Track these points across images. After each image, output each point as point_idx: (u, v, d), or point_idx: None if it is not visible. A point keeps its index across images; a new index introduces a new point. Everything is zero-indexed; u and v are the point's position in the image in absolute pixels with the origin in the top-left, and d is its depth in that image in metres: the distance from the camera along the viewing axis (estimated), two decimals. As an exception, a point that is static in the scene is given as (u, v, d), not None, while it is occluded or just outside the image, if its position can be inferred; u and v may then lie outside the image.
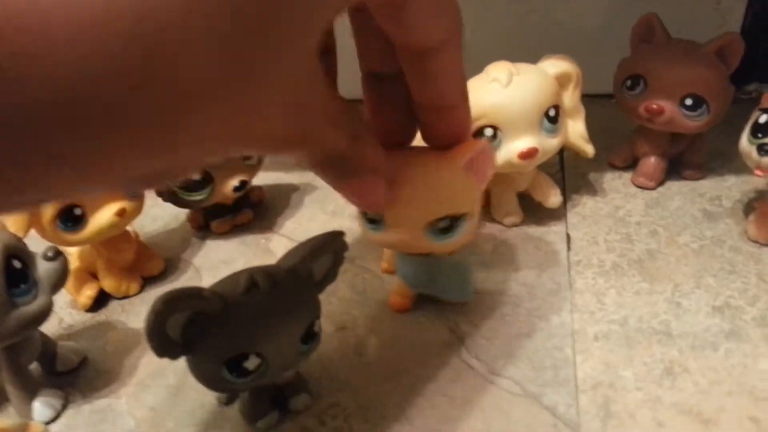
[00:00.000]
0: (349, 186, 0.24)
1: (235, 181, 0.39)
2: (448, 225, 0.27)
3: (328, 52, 0.26)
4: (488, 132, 0.34)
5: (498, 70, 0.34)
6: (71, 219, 0.34)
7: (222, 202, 0.41)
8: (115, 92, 0.13)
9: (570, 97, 0.36)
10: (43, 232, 0.34)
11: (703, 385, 0.28)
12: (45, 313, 0.30)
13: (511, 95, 0.33)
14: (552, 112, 0.35)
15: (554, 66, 0.35)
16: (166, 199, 0.39)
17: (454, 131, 0.27)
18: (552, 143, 0.35)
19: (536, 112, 0.34)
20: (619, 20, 0.41)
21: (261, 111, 0.17)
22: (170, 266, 0.40)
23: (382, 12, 0.21)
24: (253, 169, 0.41)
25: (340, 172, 0.23)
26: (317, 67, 0.19)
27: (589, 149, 0.38)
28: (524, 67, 0.34)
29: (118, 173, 0.15)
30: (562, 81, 0.36)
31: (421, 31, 0.22)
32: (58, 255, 0.31)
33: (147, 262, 0.39)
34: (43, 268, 0.30)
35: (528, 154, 0.34)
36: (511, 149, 0.34)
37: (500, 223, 0.39)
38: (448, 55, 0.24)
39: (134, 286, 0.38)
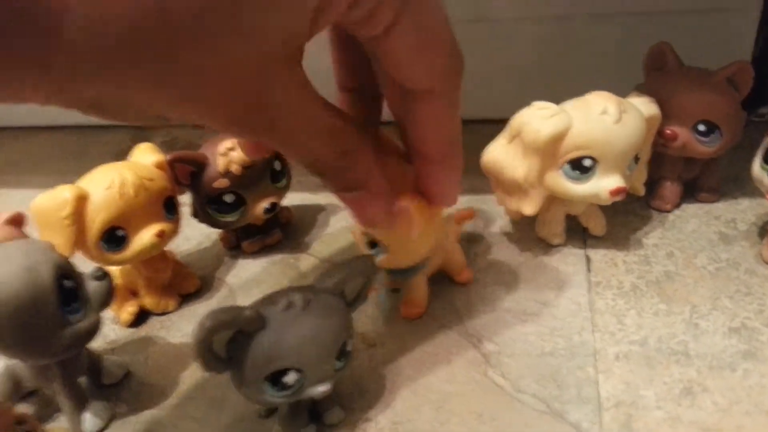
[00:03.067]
0: (344, 199, 0.25)
1: (266, 203, 0.41)
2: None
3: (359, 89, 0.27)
4: (587, 163, 0.34)
5: (608, 104, 0.34)
6: (114, 240, 0.36)
7: (253, 223, 0.43)
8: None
9: (647, 140, 0.37)
10: (87, 253, 0.36)
11: (722, 405, 0.29)
12: (95, 329, 0.31)
13: (620, 132, 0.34)
14: (639, 153, 0.36)
15: (647, 107, 0.36)
16: (201, 220, 0.41)
17: (432, 184, 0.27)
18: (629, 182, 0.36)
19: (634, 151, 0.35)
20: (631, 48, 0.42)
21: (206, 84, 0.19)
22: (204, 284, 0.42)
23: (367, 44, 0.22)
24: (282, 191, 0.42)
25: (335, 184, 0.24)
26: (295, 75, 0.21)
27: (643, 190, 0.40)
28: (628, 104, 0.35)
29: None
30: (650, 124, 0.36)
31: (405, 70, 0.22)
32: (105, 275, 0.33)
33: (183, 281, 0.41)
34: (92, 287, 0.32)
35: (618, 192, 0.34)
36: (602, 184, 0.34)
37: (544, 240, 0.40)
38: (431, 105, 0.24)
39: (172, 303, 0.40)
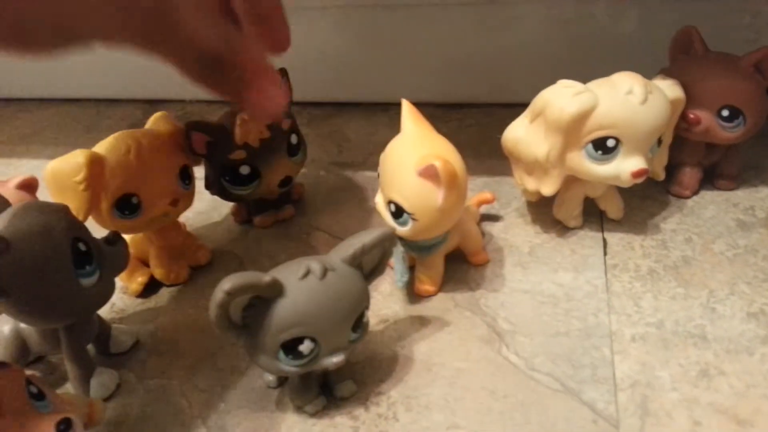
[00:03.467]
0: (247, 98, 0.25)
1: (281, 177, 0.40)
2: (393, 210, 0.32)
3: None
4: (611, 143, 0.34)
5: (635, 84, 0.33)
6: (128, 207, 0.35)
7: (266, 198, 0.43)
8: None
9: (670, 124, 0.37)
10: (100, 219, 0.36)
11: (739, 388, 0.29)
12: (108, 294, 0.31)
13: (645, 113, 0.33)
14: (662, 136, 0.35)
15: (671, 90, 0.36)
16: (213, 192, 0.41)
17: (277, 27, 0.27)
18: (651, 165, 0.35)
19: (658, 133, 0.35)
20: (656, 31, 0.42)
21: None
22: (215, 257, 0.42)
23: None
24: (298, 166, 0.42)
25: (231, 84, 0.25)
26: None
27: (663, 174, 0.39)
28: (653, 86, 0.34)
29: None
30: (674, 107, 0.36)
31: None
32: (119, 239, 0.32)
33: (195, 252, 0.41)
34: (106, 252, 0.31)
35: (640, 174, 0.34)
36: (625, 166, 0.34)
37: (561, 222, 0.40)
38: None
39: (183, 274, 0.40)
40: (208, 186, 0.41)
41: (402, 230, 0.33)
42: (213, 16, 0.24)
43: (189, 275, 0.40)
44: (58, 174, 0.34)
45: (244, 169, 0.39)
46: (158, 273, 0.39)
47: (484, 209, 0.42)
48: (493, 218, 0.42)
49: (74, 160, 0.33)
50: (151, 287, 0.39)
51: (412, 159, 0.31)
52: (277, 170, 0.40)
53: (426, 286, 0.36)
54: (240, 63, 0.25)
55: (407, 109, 0.34)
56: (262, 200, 0.43)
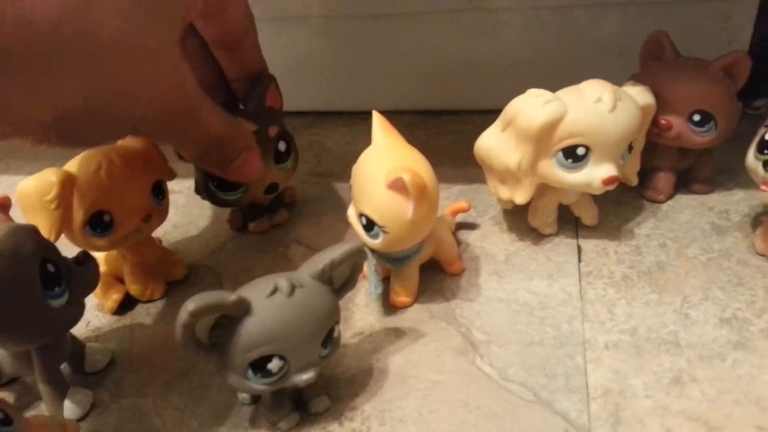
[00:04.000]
0: (233, 168, 0.31)
1: (266, 183, 0.41)
2: (365, 223, 0.33)
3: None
4: (580, 151, 0.34)
5: (603, 92, 0.33)
6: (100, 225, 0.35)
7: (259, 203, 0.43)
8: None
9: (641, 129, 0.37)
10: (73, 238, 0.35)
11: (711, 395, 0.29)
12: (77, 315, 0.31)
13: (614, 121, 0.33)
14: (633, 142, 0.36)
15: (641, 96, 0.36)
16: (203, 197, 0.41)
17: (250, 59, 0.34)
18: (622, 172, 0.35)
19: (628, 140, 0.35)
20: (628, 38, 0.42)
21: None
22: (192, 271, 0.41)
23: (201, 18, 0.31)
24: (287, 173, 0.42)
25: (224, 157, 0.30)
26: (186, 70, 0.26)
27: (636, 180, 0.40)
28: (622, 92, 0.34)
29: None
30: (645, 113, 0.36)
31: (232, 22, 0.30)
32: (88, 259, 0.32)
33: (171, 268, 0.40)
34: (75, 272, 0.31)
35: (611, 181, 0.34)
36: (595, 173, 0.34)
37: (536, 229, 0.40)
38: (252, 37, 0.32)
39: (159, 290, 0.39)
40: (198, 191, 0.41)
41: (374, 243, 0.33)
42: (221, 111, 0.29)
43: (165, 291, 0.40)
44: (29, 193, 0.33)
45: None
46: (133, 290, 0.39)
47: (460, 218, 0.42)
48: (470, 226, 0.42)
49: (45, 179, 0.33)
50: (126, 304, 0.39)
51: (382, 171, 0.31)
52: (263, 176, 0.40)
53: (401, 298, 0.36)
54: (234, 143, 0.30)
55: (378, 121, 0.34)
56: (255, 206, 0.43)
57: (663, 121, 0.38)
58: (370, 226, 0.32)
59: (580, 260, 0.38)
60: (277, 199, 0.44)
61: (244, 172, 0.32)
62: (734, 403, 0.28)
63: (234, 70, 0.35)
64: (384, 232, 0.32)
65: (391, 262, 0.35)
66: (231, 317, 0.26)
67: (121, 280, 0.39)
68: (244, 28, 0.32)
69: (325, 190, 0.49)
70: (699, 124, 0.38)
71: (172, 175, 0.40)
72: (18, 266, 0.28)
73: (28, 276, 0.28)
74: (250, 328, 0.26)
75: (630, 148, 0.36)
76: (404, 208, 0.31)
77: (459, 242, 0.40)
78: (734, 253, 0.37)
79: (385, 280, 0.37)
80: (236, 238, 0.44)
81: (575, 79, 0.36)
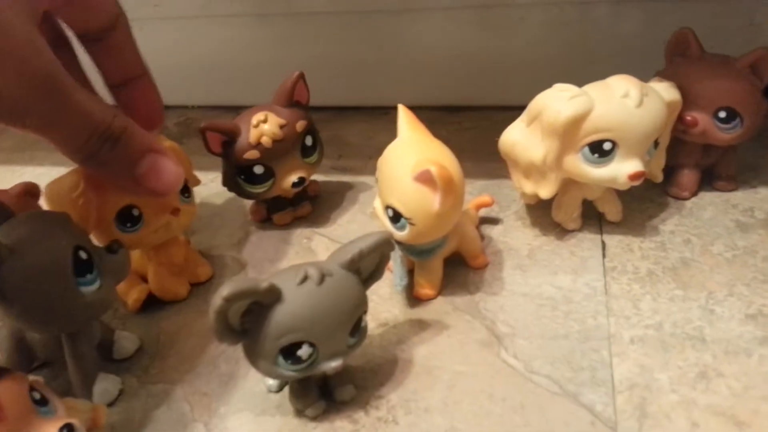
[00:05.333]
0: (140, 171, 0.27)
1: (294, 177, 0.41)
2: (391, 215, 0.33)
3: (64, 45, 0.31)
4: (607, 146, 0.34)
5: (630, 87, 0.33)
6: (129, 219, 0.35)
7: (283, 196, 0.43)
8: None
9: (667, 125, 0.37)
10: (102, 234, 0.35)
11: (737, 389, 0.29)
12: (108, 302, 0.32)
13: (641, 116, 0.33)
14: (658, 138, 0.36)
15: (668, 92, 0.36)
16: (230, 189, 0.42)
17: (145, 102, 0.31)
18: (648, 168, 0.35)
19: (654, 136, 0.35)
20: (657, 34, 0.42)
21: None
22: (217, 263, 0.42)
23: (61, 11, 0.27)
24: (313, 166, 0.43)
25: (123, 160, 0.26)
26: (42, 44, 0.24)
27: (661, 176, 0.40)
28: (649, 88, 0.34)
29: None
30: (671, 109, 0.36)
31: (101, 8, 0.28)
32: (120, 248, 0.33)
33: (196, 268, 0.40)
34: (107, 260, 0.32)
35: (637, 176, 0.34)
36: (622, 168, 0.34)
37: (560, 224, 0.40)
38: (125, 27, 0.29)
39: (182, 291, 0.39)
40: (225, 183, 0.42)
41: (400, 235, 0.33)
42: (99, 98, 0.26)
43: (188, 292, 0.39)
44: (57, 191, 0.34)
45: (258, 169, 0.40)
46: (157, 289, 0.39)
47: (483, 212, 0.42)
48: (493, 221, 0.42)
49: (71, 176, 0.34)
50: (150, 303, 0.39)
51: (408, 164, 0.31)
52: (290, 170, 0.41)
53: (425, 290, 0.36)
54: (130, 138, 0.26)
55: (403, 114, 0.34)
56: (279, 198, 0.44)
57: (688, 118, 0.38)
58: (396, 218, 0.33)
59: (604, 256, 0.38)
60: (300, 192, 0.44)
61: (155, 181, 0.27)
62: (761, 399, 0.28)
63: (110, 69, 0.31)
64: (410, 224, 0.32)
65: (415, 255, 0.35)
66: (263, 304, 0.26)
67: (145, 279, 0.39)
68: (113, 17, 0.29)
69: (346, 184, 0.49)
70: (724, 120, 0.38)
71: (196, 182, 0.40)
72: (51, 252, 0.29)
73: (61, 262, 0.29)
74: (281, 315, 0.26)
75: (656, 144, 0.36)
76: (431, 200, 0.31)
77: (482, 237, 0.40)
78: (759, 250, 0.37)
79: (410, 273, 0.37)
80: (260, 230, 0.45)
81: (596, 76, 0.36)
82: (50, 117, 0.24)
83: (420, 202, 0.31)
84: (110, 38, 0.29)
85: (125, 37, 0.30)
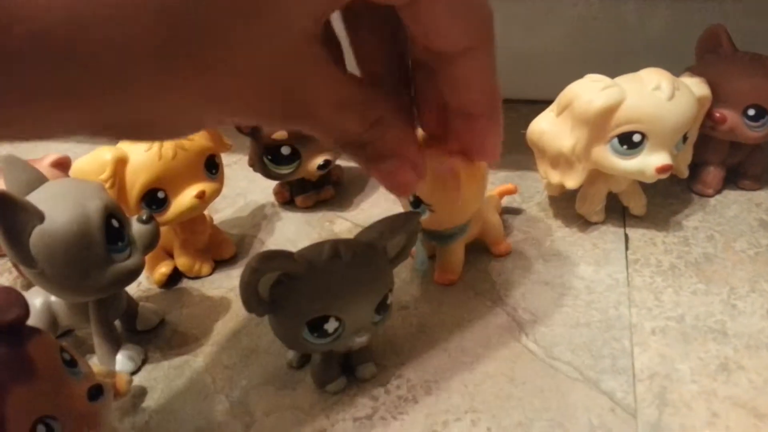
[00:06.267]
0: (376, 171, 0.25)
1: (320, 160, 0.42)
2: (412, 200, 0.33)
3: (332, 41, 0.26)
4: (636, 138, 0.34)
5: (662, 80, 0.34)
6: (155, 201, 0.36)
7: (306, 178, 0.44)
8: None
9: (696, 121, 0.37)
10: (129, 215, 0.36)
11: (758, 383, 0.29)
12: (137, 270, 0.32)
13: (671, 109, 0.33)
14: (687, 133, 0.36)
15: (698, 87, 0.36)
16: (256, 170, 0.43)
17: (476, 140, 0.27)
18: (675, 162, 0.35)
19: (684, 130, 0.35)
20: (684, 31, 0.42)
21: (242, 82, 0.18)
22: (240, 242, 0.42)
23: (401, 12, 0.21)
24: (338, 151, 0.43)
25: (366, 156, 0.24)
26: (318, 52, 0.20)
27: (687, 172, 0.40)
28: (680, 82, 0.35)
29: (89, 117, 0.17)
30: (700, 104, 0.36)
31: (440, 33, 0.22)
32: (151, 219, 0.33)
33: (219, 246, 0.41)
34: (137, 230, 0.32)
35: (664, 169, 0.34)
36: (650, 161, 0.34)
37: (584, 216, 0.40)
38: (473, 62, 0.23)
39: (206, 268, 0.40)
40: (252, 164, 0.43)
41: (422, 218, 0.33)
42: (354, 110, 0.22)
43: (212, 269, 0.40)
44: (84, 173, 0.34)
45: (285, 150, 0.41)
46: (182, 264, 0.39)
47: (505, 202, 0.42)
48: (515, 212, 0.42)
49: (99, 158, 0.34)
50: (174, 278, 0.39)
51: (433, 153, 0.31)
52: (316, 153, 0.42)
53: (446, 275, 0.36)
54: (379, 144, 0.24)
55: None
56: (303, 181, 0.44)
57: (717, 114, 0.38)
58: (417, 203, 0.33)
59: (627, 248, 0.38)
60: (324, 176, 0.45)
61: (389, 183, 0.25)
62: (782, 393, 0.28)
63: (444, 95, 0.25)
64: (430, 210, 0.32)
65: (437, 240, 0.36)
66: (292, 276, 0.27)
67: (170, 255, 0.40)
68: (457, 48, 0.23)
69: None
70: (753, 118, 0.38)
71: (226, 147, 0.40)
72: (83, 218, 0.29)
73: (94, 229, 0.29)
74: (310, 288, 0.27)
75: (684, 138, 0.36)
76: (452, 188, 0.31)
77: (504, 226, 0.40)
78: (783, 249, 0.37)
79: (431, 258, 0.37)
80: (283, 212, 0.45)
81: (622, 72, 0.36)
82: (294, 124, 0.22)
83: (441, 189, 0.31)
84: (451, 67, 0.23)
85: (473, 72, 0.24)
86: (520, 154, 0.39)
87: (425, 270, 0.35)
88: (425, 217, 0.33)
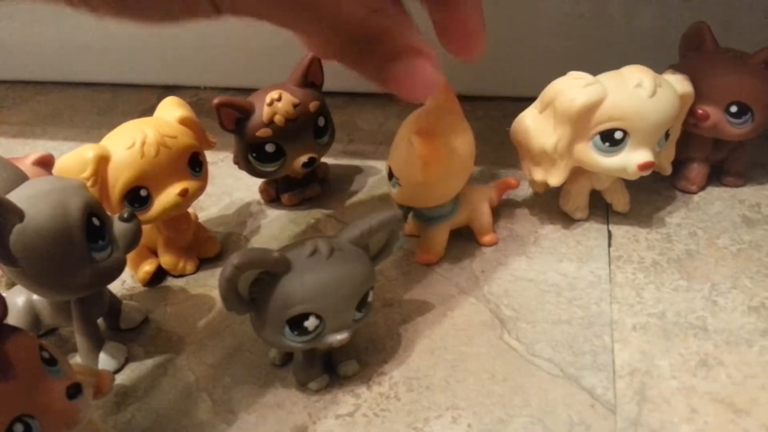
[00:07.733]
0: (392, 75, 0.21)
1: (304, 158, 0.41)
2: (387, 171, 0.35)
3: None
4: (618, 135, 0.34)
5: (644, 77, 0.34)
6: (138, 200, 0.35)
7: (292, 176, 0.44)
8: None
9: (679, 118, 0.37)
10: (111, 213, 0.36)
11: (737, 378, 0.29)
12: (119, 269, 0.32)
13: (653, 106, 0.34)
14: (669, 130, 0.36)
15: (681, 84, 0.36)
16: (241, 167, 0.42)
17: (467, 26, 0.23)
18: (657, 159, 0.36)
19: (665, 127, 0.35)
20: (669, 28, 0.42)
21: None
22: (224, 240, 0.42)
23: None
24: (324, 148, 0.43)
25: (378, 58, 0.21)
26: None
27: (670, 169, 0.40)
28: (662, 79, 0.35)
29: None
30: (683, 101, 0.36)
31: None
32: (132, 217, 0.33)
33: (204, 244, 0.41)
34: (119, 228, 0.32)
35: (646, 167, 0.34)
36: (632, 158, 0.34)
37: (567, 213, 0.40)
38: None
39: (191, 266, 0.40)
40: (236, 161, 0.42)
41: (393, 192, 0.35)
42: None
43: (197, 267, 0.40)
44: (66, 171, 0.34)
45: (270, 147, 0.41)
46: (166, 263, 0.39)
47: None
48: (499, 208, 0.42)
49: (82, 156, 0.34)
50: (159, 277, 0.39)
51: (411, 128, 0.33)
52: (301, 150, 0.41)
53: (426, 255, 0.37)
54: (388, 39, 0.21)
55: (444, 87, 0.34)
56: (289, 179, 0.44)
57: (700, 111, 0.38)
58: (390, 175, 0.35)
59: (610, 245, 0.38)
60: (310, 174, 0.45)
61: (407, 86, 0.22)
62: (760, 388, 0.29)
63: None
64: (399, 184, 0.34)
65: (422, 220, 0.37)
66: (272, 274, 0.27)
67: (155, 253, 0.40)
68: None
69: (355, 167, 0.49)
70: (736, 115, 0.38)
71: (211, 145, 0.40)
72: (64, 216, 0.29)
73: (74, 226, 0.29)
74: (289, 286, 0.27)
75: (666, 135, 0.36)
76: (416, 166, 0.32)
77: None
78: (764, 245, 0.37)
79: (414, 237, 0.39)
80: (268, 210, 0.45)
81: (607, 69, 0.36)
82: (290, 16, 0.20)
83: (407, 165, 0.33)
84: None
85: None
86: (505, 151, 0.40)
87: (401, 245, 0.34)
88: (395, 191, 0.35)
